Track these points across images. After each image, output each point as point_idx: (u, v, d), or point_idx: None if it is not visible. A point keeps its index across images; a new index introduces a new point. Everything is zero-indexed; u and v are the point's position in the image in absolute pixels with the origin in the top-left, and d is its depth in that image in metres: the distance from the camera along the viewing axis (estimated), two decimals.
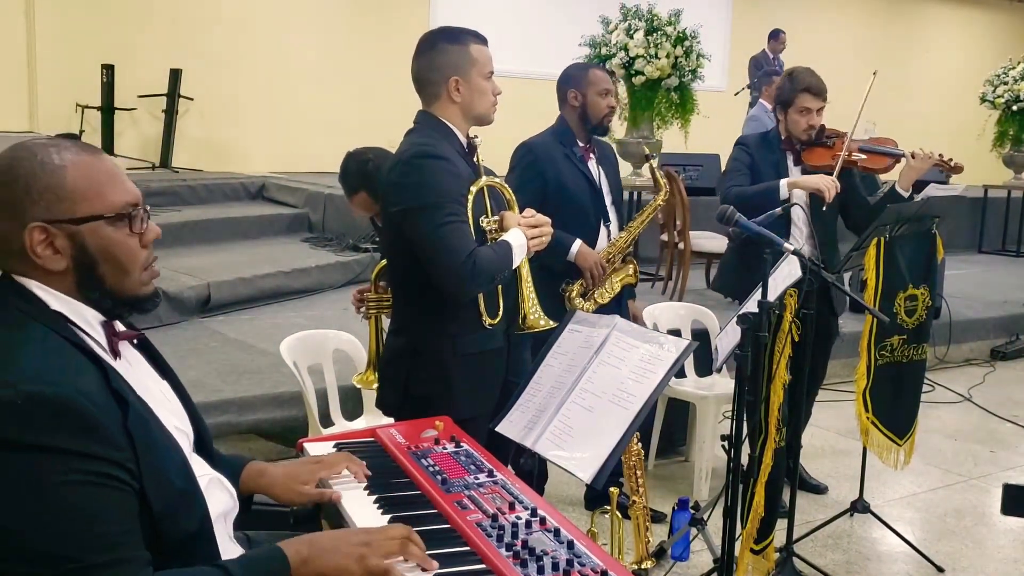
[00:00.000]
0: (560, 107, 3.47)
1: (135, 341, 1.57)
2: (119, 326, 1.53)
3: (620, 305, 3.48)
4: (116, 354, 1.49)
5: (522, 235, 2.44)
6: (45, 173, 1.40)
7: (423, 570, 1.52)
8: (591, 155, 3.45)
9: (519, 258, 2.44)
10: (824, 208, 3.61)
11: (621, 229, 3.45)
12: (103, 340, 1.47)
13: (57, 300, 1.43)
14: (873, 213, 3.56)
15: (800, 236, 3.68)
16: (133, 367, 1.53)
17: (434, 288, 2.40)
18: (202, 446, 1.68)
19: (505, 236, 2.43)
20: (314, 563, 1.45)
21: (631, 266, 3.46)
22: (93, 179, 1.43)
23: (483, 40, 2.49)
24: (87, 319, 1.45)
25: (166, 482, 1.42)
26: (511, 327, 2.55)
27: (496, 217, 2.47)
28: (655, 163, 3.52)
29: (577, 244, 3.31)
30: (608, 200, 3.45)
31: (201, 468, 1.59)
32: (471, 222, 2.39)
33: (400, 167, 2.42)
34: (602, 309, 3.27)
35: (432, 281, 2.39)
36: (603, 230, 3.43)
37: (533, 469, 2.20)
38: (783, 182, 3.56)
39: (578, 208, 3.36)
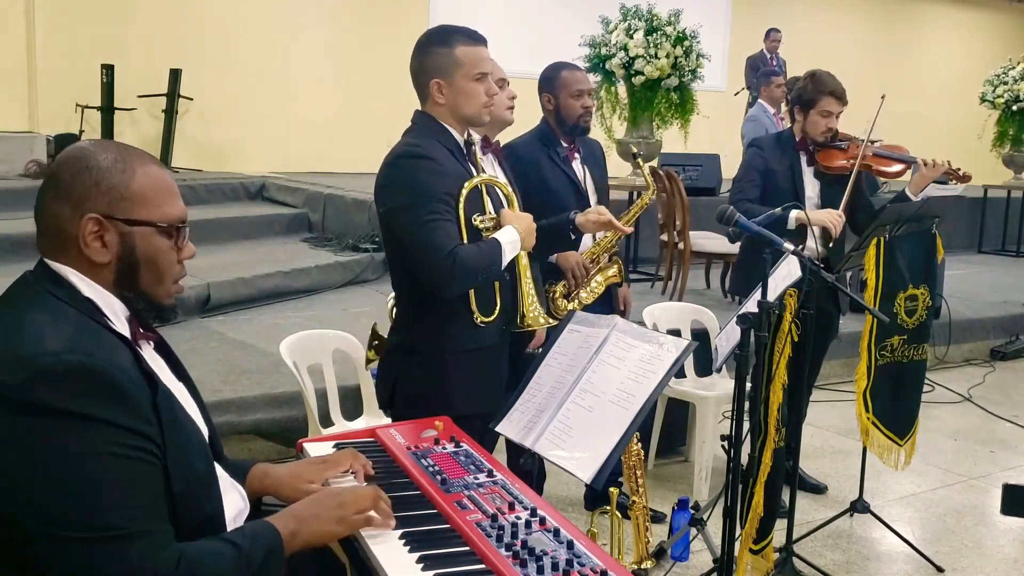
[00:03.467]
0: (542, 109, 3.48)
1: (153, 343, 1.62)
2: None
3: (608, 305, 3.47)
4: (139, 347, 1.54)
5: (515, 232, 2.43)
6: (116, 172, 1.49)
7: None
8: (575, 155, 3.44)
9: (510, 255, 2.42)
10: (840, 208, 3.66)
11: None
12: (127, 332, 1.52)
13: (90, 288, 1.49)
14: (877, 216, 3.57)
15: (812, 237, 3.68)
16: (153, 364, 1.57)
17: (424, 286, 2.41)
18: (214, 451, 1.70)
19: (496, 234, 2.42)
20: (302, 534, 1.57)
21: (616, 266, 3.44)
22: (156, 189, 1.53)
23: (477, 40, 2.45)
24: (115, 311, 1.51)
25: (187, 463, 1.47)
26: (510, 325, 2.54)
27: (491, 215, 2.46)
28: (642, 161, 3.51)
29: None
30: (593, 200, 3.43)
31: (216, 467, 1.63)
32: (463, 221, 2.39)
33: (386, 169, 2.44)
34: (590, 309, 3.25)
35: (418, 279, 2.40)
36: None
37: (533, 469, 2.19)
38: (792, 216, 3.57)
39: (561, 208, 3.34)
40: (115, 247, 1.49)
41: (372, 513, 1.64)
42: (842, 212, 3.62)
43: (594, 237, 3.42)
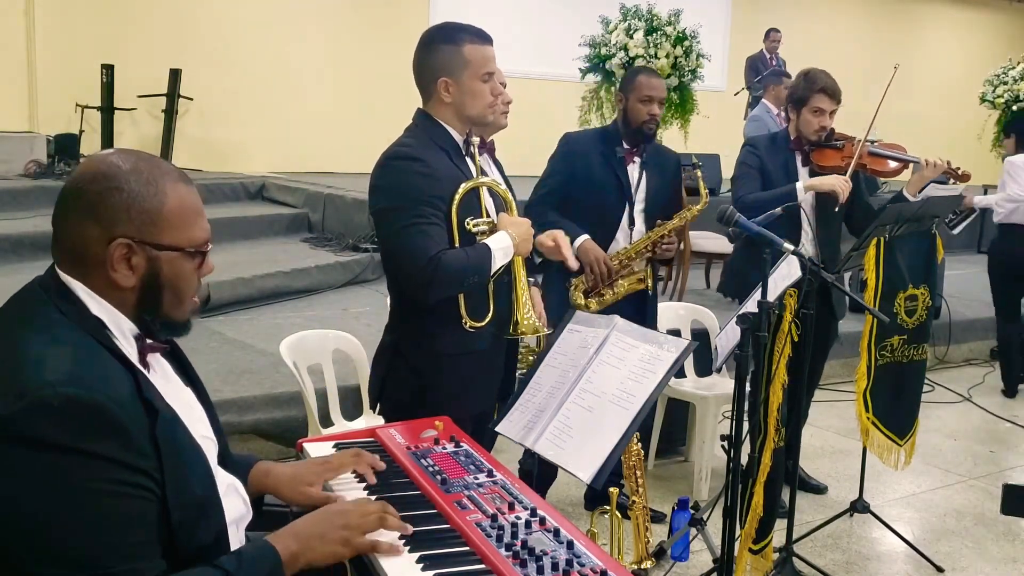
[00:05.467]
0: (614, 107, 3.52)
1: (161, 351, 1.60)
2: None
3: (643, 314, 3.42)
4: (145, 366, 1.51)
5: (507, 238, 2.38)
6: (148, 196, 1.45)
7: (400, 536, 1.61)
8: (634, 159, 3.44)
9: (501, 261, 2.38)
10: (836, 209, 3.66)
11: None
12: (134, 351, 1.49)
13: (99, 306, 1.45)
14: (876, 216, 3.57)
15: (805, 237, 3.69)
16: (160, 376, 1.55)
17: None
18: (221, 456, 1.69)
19: (487, 239, 2.38)
20: (304, 556, 1.52)
21: (645, 272, 3.43)
22: (185, 213, 1.49)
23: (483, 39, 2.43)
24: (122, 329, 1.48)
25: (187, 491, 1.44)
26: (502, 330, 2.50)
27: (487, 219, 2.42)
28: (700, 172, 3.45)
29: (581, 238, 3.30)
30: (640, 207, 3.44)
31: (220, 475, 1.62)
32: (456, 224, 2.36)
33: (377, 169, 2.42)
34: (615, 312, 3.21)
35: (400, 283, 2.38)
36: (624, 233, 3.42)
37: (533, 469, 2.19)
38: (799, 185, 3.59)
39: (599, 205, 3.38)
40: (141, 271, 1.46)
41: (379, 539, 1.59)
42: (848, 178, 3.60)
43: (630, 239, 3.42)
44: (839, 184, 3.57)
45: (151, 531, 1.37)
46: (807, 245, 3.67)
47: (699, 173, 3.43)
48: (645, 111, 3.38)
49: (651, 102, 3.38)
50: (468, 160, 2.48)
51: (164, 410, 1.44)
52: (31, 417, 1.29)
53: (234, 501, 1.64)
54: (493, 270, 2.37)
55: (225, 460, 1.72)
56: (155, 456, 1.38)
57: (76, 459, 1.30)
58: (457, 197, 2.36)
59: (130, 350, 1.48)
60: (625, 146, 3.42)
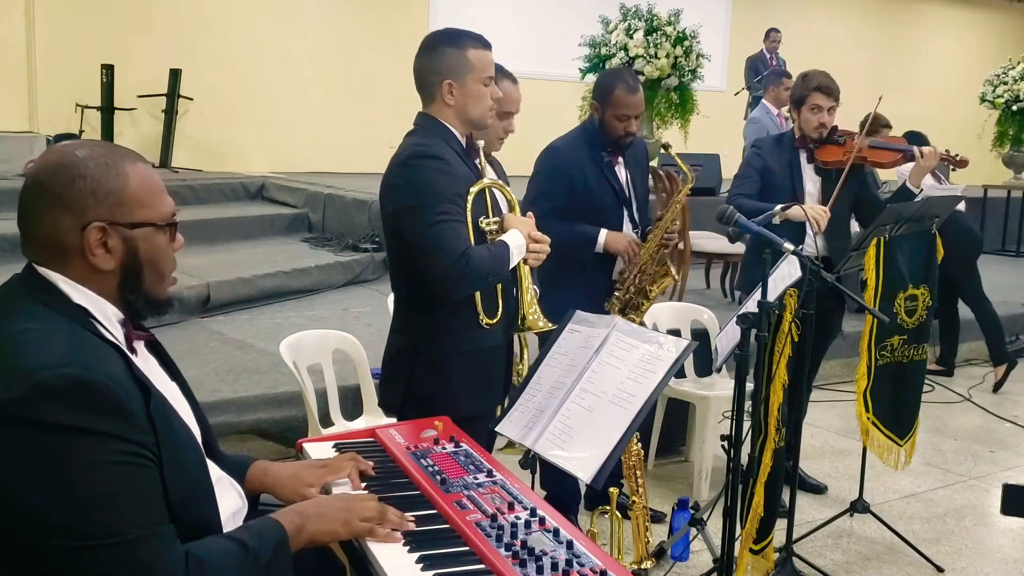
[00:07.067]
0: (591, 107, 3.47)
1: (145, 342, 1.62)
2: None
3: None
4: (133, 351, 1.54)
5: (521, 236, 2.45)
6: (110, 177, 1.47)
7: (400, 531, 1.66)
8: (619, 159, 3.43)
9: (517, 258, 2.44)
10: (814, 233, 3.63)
11: (645, 231, 3.43)
12: (120, 336, 1.51)
13: (80, 295, 1.48)
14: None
15: (810, 232, 3.68)
16: (146, 366, 1.57)
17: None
18: (209, 449, 1.70)
19: (503, 237, 2.43)
20: (306, 530, 1.59)
21: (668, 276, 3.41)
22: (150, 189, 1.52)
23: (485, 44, 2.47)
24: (107, 315, 1.50)
25: (182, 470, 1.47)
26: (511, 326, 2.55)
27: (496, 218, 2.47)
28: (673, 151, 3.43)
29: (603, 234, 3.30)
30: (635, 206, 3.44)
31: (210, 465, 1.63)
32: (470, 223, 2.39)
33: (397, 168, 2.43)
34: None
35: (425, 280, 2.39)
36: (628, 233, 3.41)
37: (533, 469, 2.19)
38: (777, 209, 3.50)
39: (602, 210, 3.37)
40: (119, 252, 1.48)
41: (377, 527, 1.64)
42: (829, 208, 3.56)
43: (645, 237, 3.41)
44: (816, 215, 3.47)
45: (159, 497, 1.42)
46: (814, 240, 3.68)
47: (672, 152, 3.39)
48: (621, 127, 3.32)
49: (628, 120, 3.31)
50: (473, 162, 2.51)
51: (155, 391, 1.47)
52: (36, 400, 1.31)
53: (229, 494, 1.66)
54: (510, 267, 2.43)
55: (214, 455, 1.73)
56: (152, 432, 1.42)
57: (83, 437, 1.33)
58: (471, 197, 2.40)
59: (117, 335, 1.50)
60: (610, 150, 3.41)
